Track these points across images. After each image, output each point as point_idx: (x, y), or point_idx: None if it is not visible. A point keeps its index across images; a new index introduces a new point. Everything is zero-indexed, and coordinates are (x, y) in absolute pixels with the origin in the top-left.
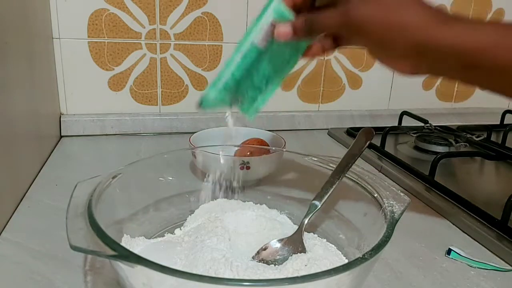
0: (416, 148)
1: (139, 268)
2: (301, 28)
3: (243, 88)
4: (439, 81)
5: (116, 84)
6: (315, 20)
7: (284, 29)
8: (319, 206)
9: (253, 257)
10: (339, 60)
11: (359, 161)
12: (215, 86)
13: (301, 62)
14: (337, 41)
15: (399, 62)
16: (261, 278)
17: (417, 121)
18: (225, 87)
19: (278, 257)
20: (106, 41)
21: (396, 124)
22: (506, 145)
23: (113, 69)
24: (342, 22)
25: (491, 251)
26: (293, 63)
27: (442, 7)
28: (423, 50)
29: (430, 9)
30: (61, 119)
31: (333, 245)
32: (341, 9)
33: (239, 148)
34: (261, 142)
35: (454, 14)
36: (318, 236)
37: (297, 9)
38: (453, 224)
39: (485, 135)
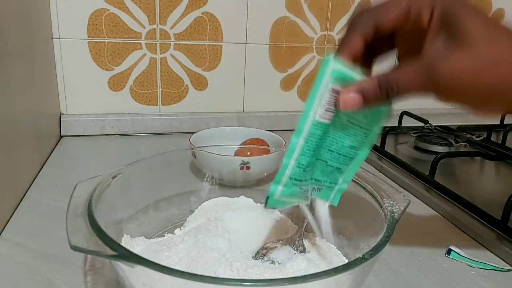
0: (416, 148)
1: (139, 268)
2: (375, 94)
3: (316, 175)
4: None
5: (116, 84)
6: (392, 82)
7: (351, 97)
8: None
9: (253, 257)
10: None
11: None
12: (280, 182)
13: (301, 62)
14: None
15: (494, 112)
16: (261, 278)
17: (417, 121)
18: (292, 181)
19: (278, 257)
20: (106, 41)
21: (396, 124)
22: (506, 145)
23: (113, 69)
24: (427, 83)
25: (491, 251)
26: (374, 129)
27: None
28: None
29: None
30: (61, 119)
31: (333, 245)
32: (424, 63)
33: (239, 148)
34: (261, 142)
35: None
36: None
37: (357, 61)
38: (453, 224)
39: (485, 135)
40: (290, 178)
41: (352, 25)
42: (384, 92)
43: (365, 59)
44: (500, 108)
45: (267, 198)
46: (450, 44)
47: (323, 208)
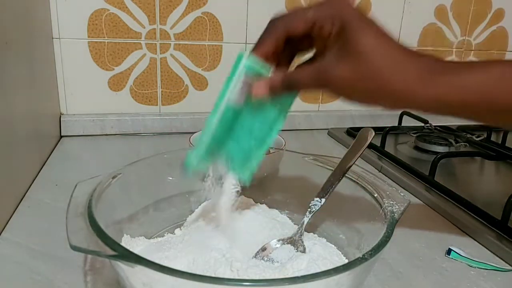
0: (416, 148)
1: (139, 268)
2: (279, 87)
3: (229, 148)
4: None
5: (116, 84)
6: (292, 79)
7: (260, 88)
8: (319, 206)
9: (253, 257)
10: None
11: (359, 161)
12: (197, 151)
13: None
14: None
15: (377, 105)
16: (261, 278)
17: (417, 121)
18: (207, 150)
19: (278, 257)
20: (106, 41)
21: (396, 124)
22: (506, 145)
23: (113, 69)
24: (318, 83)
25: (491, 251)
26: (282, 116)
27: (431, 54)
28: (405, 106)
29: (418, 64)
30: (61, 119)
31: (333, 245)
32: (317, 67)
33: None
34: None
35: (444, 63)
36: (318, 236)
37: (272, 58)
38: (453, 224)
39: (485, 135)
40: (207, 147)
41: (267, 29)
42: (286, 86)
43: (287, 54)
44: (381, 106)
45: (185, 165)
46: (341, 55)
47: (229, 181)
